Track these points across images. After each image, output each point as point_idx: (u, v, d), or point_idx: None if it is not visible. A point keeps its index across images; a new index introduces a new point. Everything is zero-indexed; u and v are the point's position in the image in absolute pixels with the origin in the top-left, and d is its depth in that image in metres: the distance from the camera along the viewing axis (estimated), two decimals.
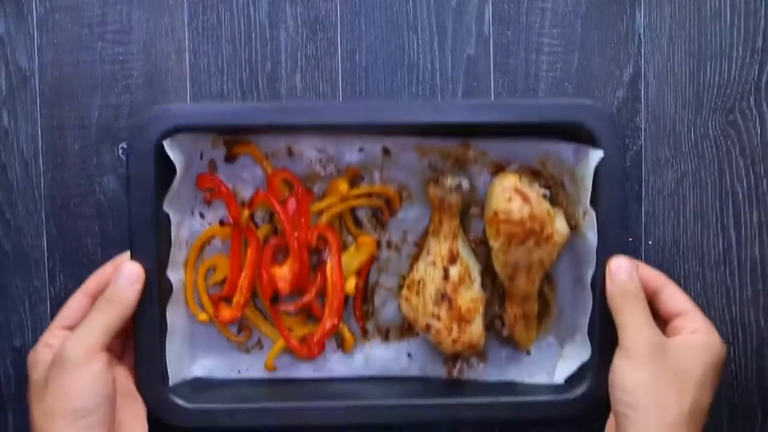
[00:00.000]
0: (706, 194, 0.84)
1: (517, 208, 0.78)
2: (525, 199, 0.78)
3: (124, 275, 0.77)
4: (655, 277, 0.78)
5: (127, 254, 0.79)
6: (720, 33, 0.84)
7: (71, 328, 0.75)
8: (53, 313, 0.84)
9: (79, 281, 0.82)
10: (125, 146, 0.83)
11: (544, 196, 0.79)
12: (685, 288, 0.84)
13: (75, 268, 0.85)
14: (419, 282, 0.81)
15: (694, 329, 0.74)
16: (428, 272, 0.81)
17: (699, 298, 0.85)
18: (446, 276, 0.80)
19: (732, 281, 0.85)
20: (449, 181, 0.80)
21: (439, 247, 0.81)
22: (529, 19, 0.84)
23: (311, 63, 0.84)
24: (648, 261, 0.84)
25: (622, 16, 0.84)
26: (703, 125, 0.84)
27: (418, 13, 0.84)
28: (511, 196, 0.78)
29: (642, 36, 0.84)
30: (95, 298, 0.77)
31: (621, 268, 0.76)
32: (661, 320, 0.77)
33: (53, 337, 0.75)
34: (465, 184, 0.81)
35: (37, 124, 0.84)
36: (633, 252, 0.85)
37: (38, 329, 0.85)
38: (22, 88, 0.84)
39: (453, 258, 0.80)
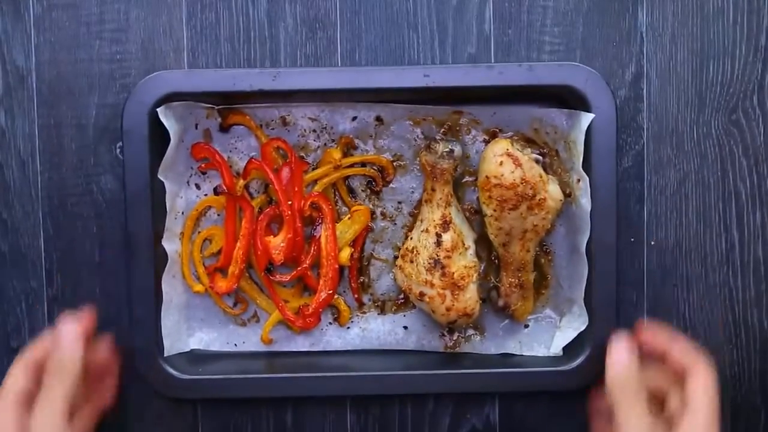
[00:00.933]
0: (708, 194, 0.84)
1: (508, 172, 0.78)
2: (516, 162, 0.78)
3: (64, 338, 0.74)
4: (658, 341, 0.75)
5: (64, 316, 0.77)
6: (723, 31, 0.83)
7: (18, 402, 0.73)
8: (50, 315, 0.85)
9: (76, 282, 0.84)
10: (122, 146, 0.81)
11: (537, 161, 0.79)
12: (687, 290, 0.85)
13: (72, 269, 0.84)
14: (413, 250, 0.81)
15: (692, 425, 0.69)
16: (421, 240, 0.80)
17: (701, 300, 0.85)
18: (439, 242, 0.79)
19: (735, 282, 0.85)
20: (440, 147, 0.80)
21: (432, 215, 0.80)
22: (530, 17, 0.83)
23: (311, 62, 0.84)
24: (650, 262, 0.85)
25: (624, 14, 0.83)
26: (705, 124, 0.84)
27: (418, 11, 0.83)
28: (502, 160, 0.78)
29: (644, 34, 0.83)
30: (37, 366, 0.75)
31: (620, 360, 0.72)
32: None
33: None
34: (457, 149, 0.80)
35: (34, 123, 0.83)
36: (635, 254, 0.85)
37: (35, 331, 0.84)
38: (19, 87, 0.83)
39: (446, 225, 0.80)
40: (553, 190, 0.79)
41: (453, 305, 0.80)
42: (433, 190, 0.81)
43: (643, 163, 0.84)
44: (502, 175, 0.78)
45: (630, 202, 0.84)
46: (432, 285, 0.80)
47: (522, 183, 0.78)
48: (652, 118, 0.84)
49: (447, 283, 0.80)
